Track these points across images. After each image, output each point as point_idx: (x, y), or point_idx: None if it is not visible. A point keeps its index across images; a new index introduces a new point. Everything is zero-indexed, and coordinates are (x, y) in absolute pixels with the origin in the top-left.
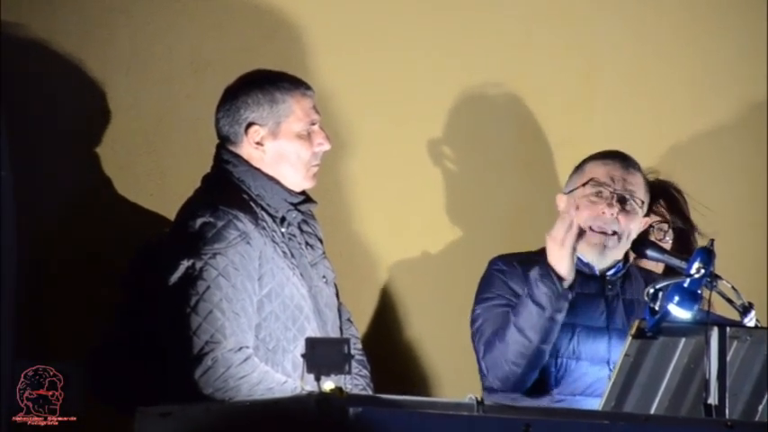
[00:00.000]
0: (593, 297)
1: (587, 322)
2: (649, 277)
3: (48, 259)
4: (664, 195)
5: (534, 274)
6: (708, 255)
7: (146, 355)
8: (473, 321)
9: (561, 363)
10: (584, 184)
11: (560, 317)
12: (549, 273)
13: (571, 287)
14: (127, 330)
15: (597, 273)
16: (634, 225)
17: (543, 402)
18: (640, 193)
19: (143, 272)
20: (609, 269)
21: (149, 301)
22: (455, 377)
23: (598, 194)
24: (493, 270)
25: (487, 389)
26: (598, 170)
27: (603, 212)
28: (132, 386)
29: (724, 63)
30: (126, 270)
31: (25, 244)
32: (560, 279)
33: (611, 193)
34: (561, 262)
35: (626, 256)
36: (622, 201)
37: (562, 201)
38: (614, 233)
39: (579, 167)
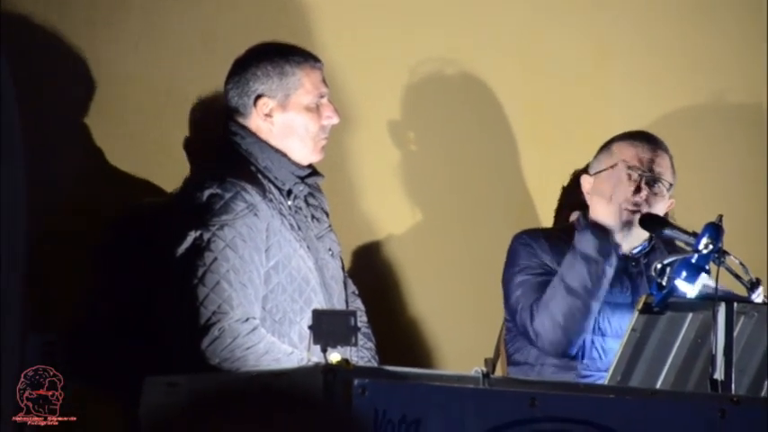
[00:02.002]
0: (617, 274)
1: (612, 299)
2: (672, 249)
3: (57, 231)
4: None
5: (581, 230)
6: (716, 230)
7: (129, 328)
8: (511, 293)
9: (587, 339)
10: (612, 166)
11: (609, 271)
12: (595, 227)
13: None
14: (110, 302)
15: (620, 252)
16: (661, 207)
17: (569, 377)
18: (668, 176)
19: (129, 242)
20: (633, 248)
21: (137, 273)
22: (460, 351)
23: (627, 177)
24: (519, 244)
25: (513, 363)
26: (627, 152)
27: (636, 193)
28: (116, 359)
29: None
30: (108, 240)
31: (36, 215)
32: (607, 233)
33: (639, 175)
34: (610, 216)
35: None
36: (651, 183)
37: (588, 182)
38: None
39: (606, 148)
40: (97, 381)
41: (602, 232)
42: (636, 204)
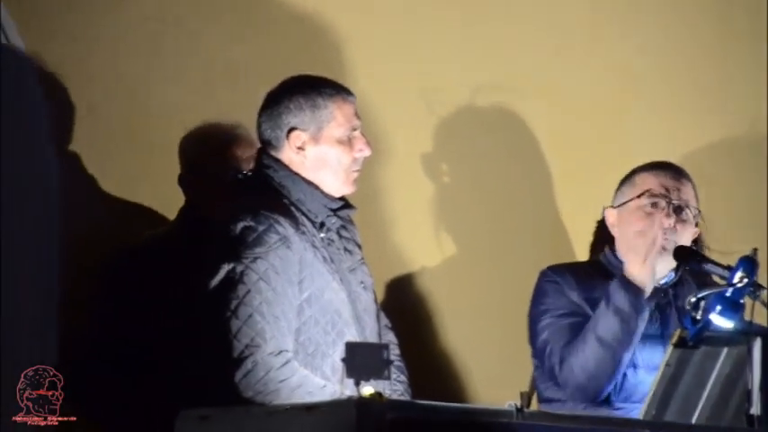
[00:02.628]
0: None
1: (643, 331)
2: (702, 283)
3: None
4: None
5: (615, 285)
6: (751, 264)
7: (134, 362)
8: (537, 334)
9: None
10: (638, 196)
11: (642, 325)
12: (629, 284)
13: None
14: (114, 335)
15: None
16: (688, 234)
17: (602, 412)
18: (693, 203)
19: (135, 275)
20: (661, 278)
21: (143, 306)
22: (493, 383)
23: (654, 205)
24: (546, 282)
25: (545, 400)
26: (651, 181)
27: (663, 221)
28: (115, 394)
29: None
30: (111, 272)
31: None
32: (640, 291)
33: (667, 203)
34: (645, 277)
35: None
36: (678, 211)
37: (612, 215)
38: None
39: (628, 180)
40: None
41: (635, 288)
42: (665, 231)
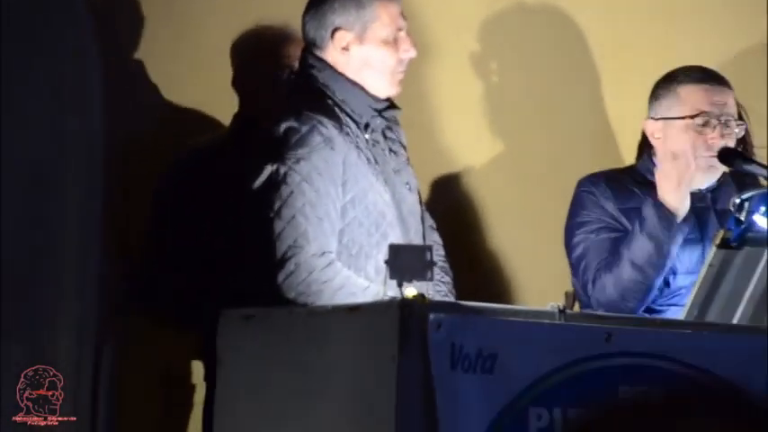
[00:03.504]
0: None
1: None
2: (740, 184)
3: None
4: None
5: (648, 210)
6: None
7: (183, 257)
8: (572, 248)
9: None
10: (692, 117)
11: (675, 248)
12: (663, 209)
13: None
14: (166, 232)
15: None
16: (732, 144)
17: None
18: (735, 111)
19: (190, 179)
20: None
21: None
22: (539, 285)
23: (705, 124)
24: (582, 192)
25: (582, 304)
26: (700, 97)
27: (714, 140)
28: (169, 287)
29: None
30: (166, 174)
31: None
32: (673, 216)
33: (717, 121)
34: (679, 203)
35: None
36: (726, 125)
37: (655, 128)
38: None
39: (670, 90)
40: (169, 314)
41: (669, 214)
42: (715, 149)
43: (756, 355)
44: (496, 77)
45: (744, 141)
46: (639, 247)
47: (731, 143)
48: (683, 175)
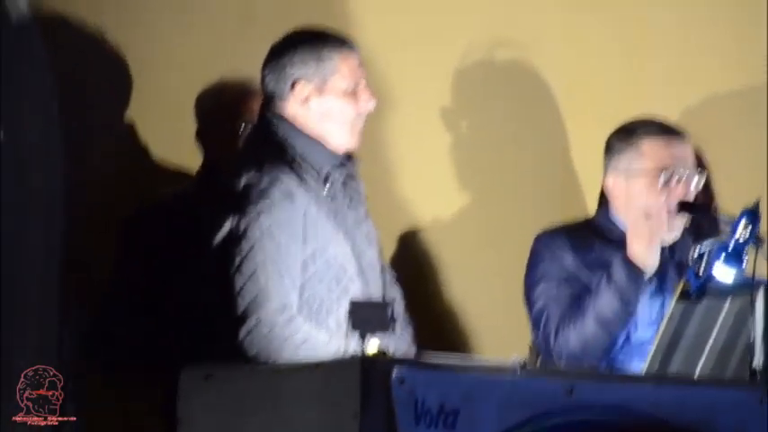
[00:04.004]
0: None
1: None
2: (697, 236)
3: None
4: None
5: (617, 267)
6: (753, 215)
7: (142, 312)
8: (533, 301)
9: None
10: (656, 173)
11: (639, 308)
12: (632, 267)
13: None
14: (125, 285)
15: None
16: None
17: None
18: (693, 164)
19: (152, 233)
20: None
21: (153, 258)
22: (498, 337)
23: (669, 179)
24: (541, 247)
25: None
26: (661, 152)
27: (679, 196)
28: (125, 342)
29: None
30: (129, 228)
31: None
32: (642, 273)
33: (679, 177)
34: (648, 260)
35: None
36: (690, 179)
37: (616, 183)
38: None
39: (631, 144)
40: (128, 371)
41: (638, 270)
42: (677, 206)
43: (719, 406)
44: (457, 130)
45: (705, 190)
46: (606, 304)
47: (690, 196)
48: (654, 234)
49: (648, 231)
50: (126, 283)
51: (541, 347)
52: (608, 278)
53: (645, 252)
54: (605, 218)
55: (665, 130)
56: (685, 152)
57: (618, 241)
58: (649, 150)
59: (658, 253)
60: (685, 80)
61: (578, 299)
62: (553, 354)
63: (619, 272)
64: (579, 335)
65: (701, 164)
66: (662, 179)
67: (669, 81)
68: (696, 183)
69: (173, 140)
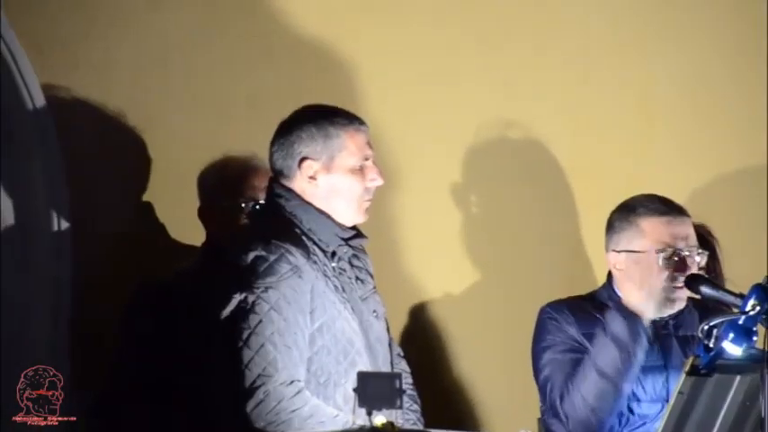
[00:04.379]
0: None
1: (644, 363)
2: (703, 310)
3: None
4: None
5: (612, 313)
6: (763, 291)
7: (152, 398)
8: (539, 371)
9: (623, 406)
10: (656, 251)
11: (641, 354)
12: (626, 311)
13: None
14: (134, 370)
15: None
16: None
17: None
18: (696, 241)
19: (156, 312)
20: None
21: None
22: (506, 412)
23: (671, 257)
24: (545, 318)
25: None
26: (661, 231)
27: (679, 273)
28: (136, 426)
29: None
30: (132, 307)
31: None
32: (638, 318)
33: (682, 254)
34: (642, 304)
35: None
36: (691, 256)
37: (618, 259)
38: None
39: (632, 223)
40: None
41: (634, 316)
42: (680, 283)
43: None
44: (465, 206)
45: (711, 266)
46: (605, 353)
47: (693, 270)
48: (645, 278)
49: (639, 275)
50: (133, 361)
51: (549, 416)
52: (604, 330)
53: (638, 294)
54: (607, 293)
55: (665, 209)
56: (686, 230)
57: None
58: (648, 228)
59: (651, 301)
60: (692, 156)
61: (581, 363)
62: (562, 419)
63: (613, 319)
64: (584, 394)
65: (707, 241)
66: (662, 256)
67: (675, 156)
68: (696, 261)
69: (176, 216)
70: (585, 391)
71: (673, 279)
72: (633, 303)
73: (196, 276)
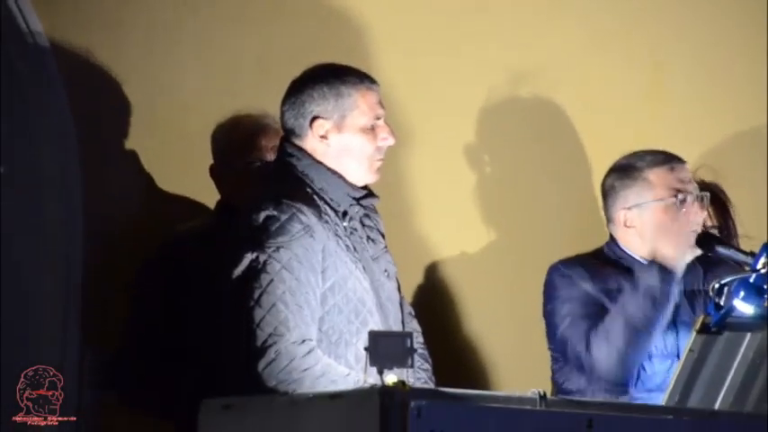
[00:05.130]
0: None
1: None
2: (707, 265)
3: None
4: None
5: (645, 266)
6: None
7: (165, 352)
8: (556, 326)
9: None
10: (673, 196)
11: (672, 305)
12: (660, 265)
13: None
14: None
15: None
16: (702, 217)
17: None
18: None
19: (171, 268)
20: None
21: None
22: (517, 371)
23: (683, 202)
24: (557, 275)
25: (563, 392)
26: (670, 178)
27: (696, 215)
28: (143, 375)
29: None
30: (148, 264)
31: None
32: (671, 272)
33: (691, 198)
34: (677, 255)
35: None
36: (699, 200)
37: (630, 215)
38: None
39: (638, 178)
40: (147, 403)
41: (666, 269)
42: (698, 225)
43: None
44: (477, 166)
45: (723, 224)
46: (637, 304)
47: (704, 216)
48: (667, 226)
49: (677, 238)
50: (147, 318)
51: (567, 371)
52: (635, 283)
53: (673, 250)
54: (612, 249)
55: (665, 157)
56: (689, 174)
57: (631, 268)
58: (656, 179)
59: (686, 252)
60: (704, 115)
61: (604, 316)
62: (587, 370)
63: (646, 271)
64: (613, 343)
65: (719, 200)
66: (679, 199)
67: (687, 115)
68: (705, 204)
69: (189, 175)
70: (615, 339)
71: (690, 222)
72: (661, 254)
73: (210, 234)
